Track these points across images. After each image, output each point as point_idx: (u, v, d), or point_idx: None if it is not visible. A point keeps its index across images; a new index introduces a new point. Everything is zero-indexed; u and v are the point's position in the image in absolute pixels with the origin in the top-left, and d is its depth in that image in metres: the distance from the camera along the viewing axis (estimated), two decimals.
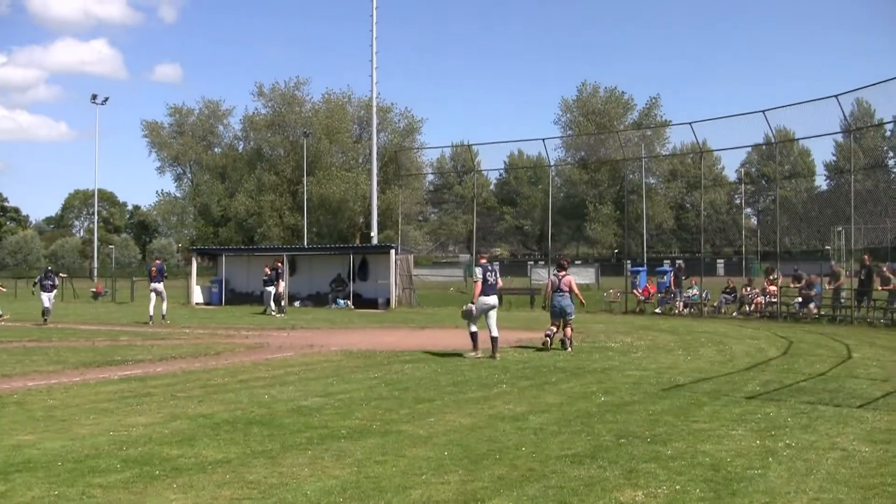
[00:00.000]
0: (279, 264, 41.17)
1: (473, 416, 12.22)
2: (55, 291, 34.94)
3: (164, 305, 33.96)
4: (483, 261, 21.50)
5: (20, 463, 9.34)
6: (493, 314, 20.53)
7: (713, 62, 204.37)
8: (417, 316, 37.43)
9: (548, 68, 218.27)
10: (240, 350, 22.38)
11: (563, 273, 22.91)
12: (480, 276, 20.49)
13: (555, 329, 22.52)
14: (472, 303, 20.79)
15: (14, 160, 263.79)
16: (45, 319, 32.25)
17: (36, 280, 36.81)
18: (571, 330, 22.64)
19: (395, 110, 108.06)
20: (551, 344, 22.23)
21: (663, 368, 17.94)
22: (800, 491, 8.13)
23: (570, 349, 21.80)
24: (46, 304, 32.29)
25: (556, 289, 22.68)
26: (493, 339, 20.26)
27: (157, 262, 36.49)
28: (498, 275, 21.41)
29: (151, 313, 32.97)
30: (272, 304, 38.80)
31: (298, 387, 15.34)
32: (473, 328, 20.69)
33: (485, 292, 20.42)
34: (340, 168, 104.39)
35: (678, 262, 40.75)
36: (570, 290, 22.62)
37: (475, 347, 20.47)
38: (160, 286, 33.92)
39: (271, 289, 39.12)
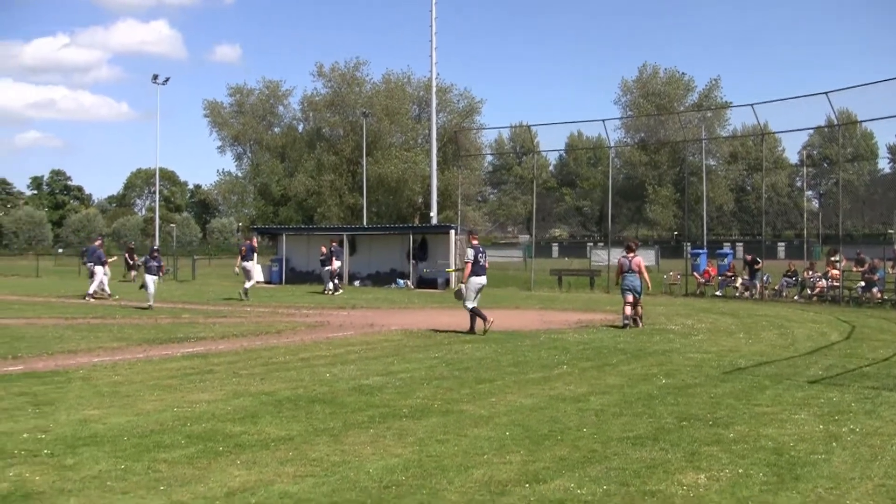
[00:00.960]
0: (334, 244, 41.23)
1: (534, 396, 12.23)
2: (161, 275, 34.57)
3: (248, 283, 34.45)
4: (475, 242, 22.17)
5: (87, 437, 9.46)
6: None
7: (775, 43, 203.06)
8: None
9: (608, 49, 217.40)
10: (300, 328, 22.50)
11: (632, 254, 23.54)
12: (472, 258, 21.40)
13: (629, 311, 23.06)
14: (463, 283, 21.53)
15: (77, 140, 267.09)
16: (150, 305, 31.22)
17: (140, 261, 36.93)
18: (641, 308, 23.63)
19: (454, 91, 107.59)
20: (633, 324, 23.01)
21: (724, 351, 17.84)
22: (864, 477, 8.06)
23: (641, 325, 23.06)
24: (152, 288, 31.02)
25: (627, 269, 23.34)
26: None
27: (247, 241, 37.01)
28: (486, 257, 22.09)
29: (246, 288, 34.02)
30: (330, 283, 38.91)
31: (359, 365, 15.42)
32: (471, 304, 21.28)
33: (476, 272, 21.36)
34: (399, 148, 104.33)
35: (748, 255, 40.23)
36: (639, 271, 23.30)
37: (485, 319, 21.04)
38: (248, 264, 34.63)
39: (329, 268, 39.27)
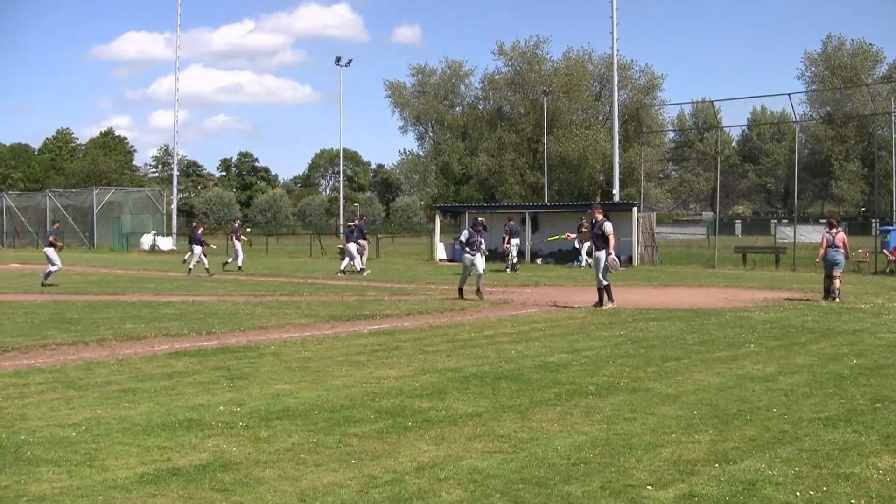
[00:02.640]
0: (511, 221, 41.10)
1: (722, 375, 12.09)
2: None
3: (344, 262, 36.41)
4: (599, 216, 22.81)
5: (280, 411, 9.71)
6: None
7: None
8: (660, 274, 37.08)
9: (790, 21, 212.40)
10: (484, 306, 22.64)
11: (836, 230, 24.82)
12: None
13: (837, 283, 24.28)
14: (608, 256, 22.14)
15: (263, 122, 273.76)
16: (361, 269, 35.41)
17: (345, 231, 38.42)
18: (840, 282, 24.51)
19: (635, 67, 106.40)
20: (833, 297, 24.04)
21: None
22: None
23: (838, 300, 23.76)
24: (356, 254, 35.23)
25: (831, 245, 24.44)
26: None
27: (349, 223, 38.07)
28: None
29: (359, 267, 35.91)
30: (512, 260, 38.92)
31: (544, 343, 15.44)
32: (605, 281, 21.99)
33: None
34: (580, 126, 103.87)
35: None
36: (844, 245, 24.58)
37: (611, 298, 21.93)
38: (349, 245, 36.14)
39: (507, 246, 39.33)
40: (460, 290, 24.53)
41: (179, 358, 13.54)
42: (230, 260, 40.86)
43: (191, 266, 36.64)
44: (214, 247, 42.94)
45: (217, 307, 21.76)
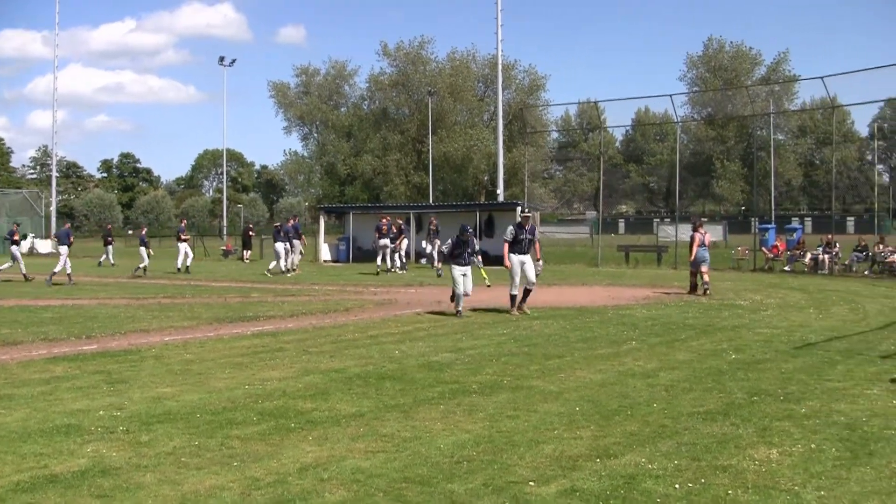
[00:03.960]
0: (383, 220, 41.05)
1: (604, 372, 12.23)
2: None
3: (272, 263, 36.73)
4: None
5: (161, 414, 9.60)
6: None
7: (843, 15, 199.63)
8: (544, 273, 37.26)
9: (673, 24, 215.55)
10: (369, 306, 22.60)
11: (704, 231, 26.91)
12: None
13: (707, 278, 25.98)
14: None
15: (145, 123, 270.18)
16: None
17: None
18: (708, 276, 26.21)
19: (519, 67, 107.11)
20: (698, 290, 25.77)
21: (794, 326, 17.71)
22: None
23: (709, 291, 25.38)
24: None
25: (702, 244, 26.15)
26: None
27: (276, 224, 38.57)
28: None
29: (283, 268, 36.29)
30: (394, 260, 38.81)
31: (428, 342, 15.49)
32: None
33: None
34: (465, 126, 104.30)
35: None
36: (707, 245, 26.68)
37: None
38: (276, 245, 36.70)
39: (394, 245, 39.34)
40: (457, 312, 20.29)
41: (58, 363, 13.27)
42: (179, 264, 40.76)
43: (139, 266, 37.49)
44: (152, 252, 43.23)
45: (97, 311, 21.40)
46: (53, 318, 19.47)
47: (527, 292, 20.80)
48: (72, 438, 8.54)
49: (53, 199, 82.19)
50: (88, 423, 9.14)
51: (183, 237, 41.46)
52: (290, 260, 37.64)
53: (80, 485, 7.05)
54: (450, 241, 21.89)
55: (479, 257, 21.62)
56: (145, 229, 39.73)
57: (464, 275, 20.72)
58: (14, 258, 34.53)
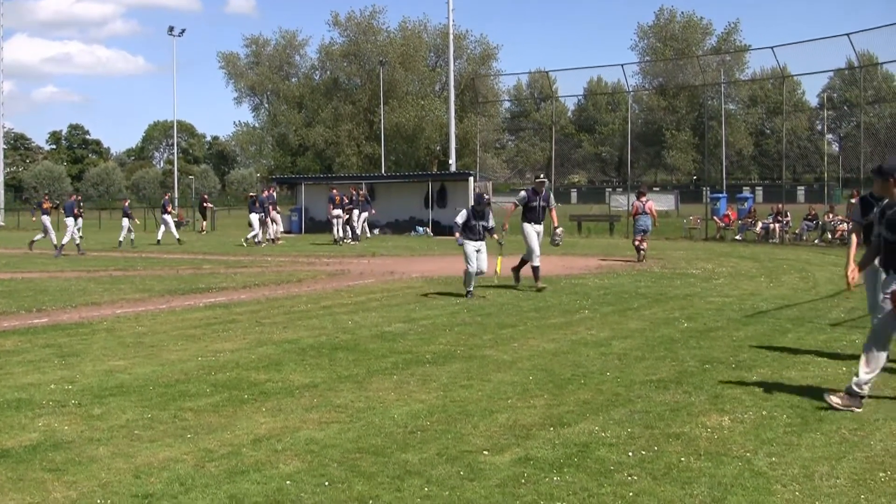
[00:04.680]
0: (334, 191, 40.80)
1: (557, 341, 12.28)
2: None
3: (250, 233, 36.72)
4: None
5: (113, 387, 9.54)
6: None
7: None
8: (496, 243, 37.31)
9: None
10: (321, 277, 22.57)
11: (646, 199, 27.85)
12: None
13: (645, 245, 27.29)
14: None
15: (94, 94, 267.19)
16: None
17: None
18: (647, 244, 27.64)
19: (471, 37, 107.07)
20: (643, 256, 26.85)
21: (746, 295, 17.86)
22: (889, 418, 8.07)
23: (644, 260, 26.55)
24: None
25: (641, 211, 27.29)
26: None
27: (251, 194, 38.76)
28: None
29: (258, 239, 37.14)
30: (344, 231, 38.67)
31: (381, 313, 15.49)
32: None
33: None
34: (416, 96, 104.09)
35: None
36: (651, 212, 27.45)
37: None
38: (251, 216, 36.96)
39: (349, 216, 39.22)
40: (468, 293, 18.30)
41: (7, 336, 13.14)
42: (160, 236, 41.07)
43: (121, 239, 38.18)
44: (138, 222, 43.53)
45: (48, 284, 21.23)
46: (2, 292, 19.28)
47: (522, 262, 19.87)
48: (22, 413, 8.47)
49: (1, 172, 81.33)
50: (40, 397, 9.06)
51: (168, 209, 41.77)
52: (271, 230, 38.33)
53: (31, 459, 6.99)
54: (464, 210, 19.01)
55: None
56: (128, 201, 39.73)
57: (477, 250, 18.49)
58: (45, 230, 35.39)
